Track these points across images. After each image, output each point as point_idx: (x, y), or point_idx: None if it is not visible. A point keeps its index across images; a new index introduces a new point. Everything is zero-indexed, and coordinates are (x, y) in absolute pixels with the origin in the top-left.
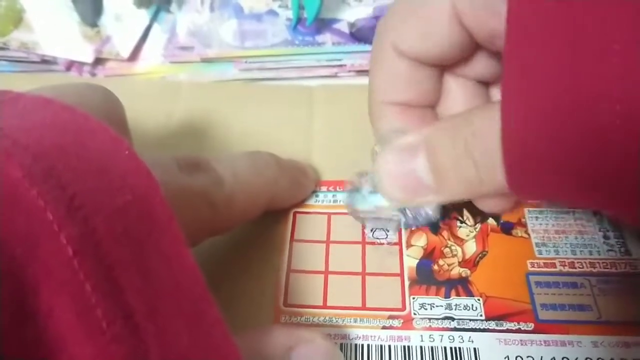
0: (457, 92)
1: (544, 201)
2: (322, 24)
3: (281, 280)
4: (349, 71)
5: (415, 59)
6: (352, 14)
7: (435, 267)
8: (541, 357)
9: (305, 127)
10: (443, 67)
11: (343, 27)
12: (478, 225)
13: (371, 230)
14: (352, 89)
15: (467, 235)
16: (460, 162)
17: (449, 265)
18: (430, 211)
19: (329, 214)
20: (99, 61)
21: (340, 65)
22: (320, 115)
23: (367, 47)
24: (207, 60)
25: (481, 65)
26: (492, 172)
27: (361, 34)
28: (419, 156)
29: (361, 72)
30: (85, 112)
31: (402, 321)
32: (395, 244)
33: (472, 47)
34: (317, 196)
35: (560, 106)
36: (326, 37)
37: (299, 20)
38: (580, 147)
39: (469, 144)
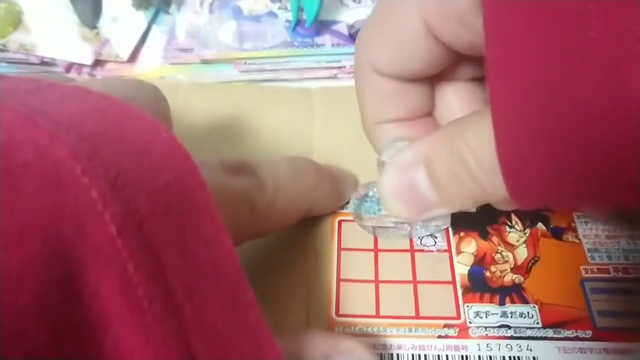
0: (452, 95)
1: (547, 206)
2: (321, 26)
3: (332, 289)
4: (349, 72)
5: (397, 77)
6: (350, 16)
7: (488, 273)
8: None
9: (305, 129)
10: (431, 77)
11: (342, 28)
12: (528, 230)
13: (419, 238)
14: (351, 91)
15: (517, 241)
16: (459, 176)
17: (501, 271)
18: (440, 221)
19: None
20: (98, 63)
21: (340, 67)
22: (320, 117)
23: None
24: (206, 62)
25: (469, 67)
26: (495, 182)
27: None
28: (419, 172)
29: None
30: (123, 100)
31: (457, 330)
32: (444, 250)
33: (453, 55)
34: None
35: (552, 107)
36: (325, 39)
37: (298, 21)
38: (576, 144)
39: (465, 157)
